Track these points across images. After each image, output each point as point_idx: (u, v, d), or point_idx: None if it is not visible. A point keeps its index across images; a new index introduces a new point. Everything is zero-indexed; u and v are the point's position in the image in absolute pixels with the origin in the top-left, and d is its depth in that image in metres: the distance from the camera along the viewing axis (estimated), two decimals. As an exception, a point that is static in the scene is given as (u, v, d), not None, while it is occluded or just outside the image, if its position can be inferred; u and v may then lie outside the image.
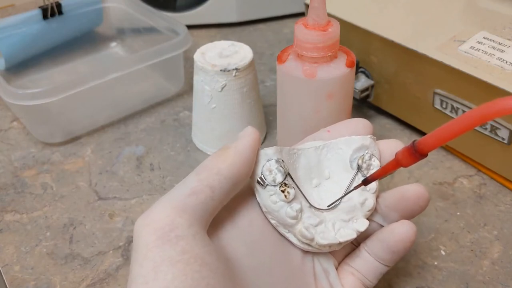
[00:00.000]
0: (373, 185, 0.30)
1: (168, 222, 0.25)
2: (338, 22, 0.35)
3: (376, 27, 0.45)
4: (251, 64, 0.43)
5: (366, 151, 0.31)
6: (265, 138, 0.49)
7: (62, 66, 0.59)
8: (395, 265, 0.36)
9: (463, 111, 0.41)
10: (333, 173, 0.31)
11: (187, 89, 0.55)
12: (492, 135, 0.40)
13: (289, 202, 0.28)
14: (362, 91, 0.47)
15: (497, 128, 0.39)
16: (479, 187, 0.42)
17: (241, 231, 0.28)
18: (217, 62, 0.42)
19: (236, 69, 0.42)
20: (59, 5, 0.56)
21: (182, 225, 0.25)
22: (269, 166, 0.28)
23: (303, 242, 0.29)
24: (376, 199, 0.31)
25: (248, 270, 0.28)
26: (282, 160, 0.29)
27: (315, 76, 0.35)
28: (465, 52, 0.40)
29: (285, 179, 0.28)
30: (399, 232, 0.30)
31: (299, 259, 0.30)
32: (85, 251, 0.38)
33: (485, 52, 0.40)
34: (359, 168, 0.30)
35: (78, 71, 0.59)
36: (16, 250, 0.38)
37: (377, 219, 0.31)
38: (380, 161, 0.31)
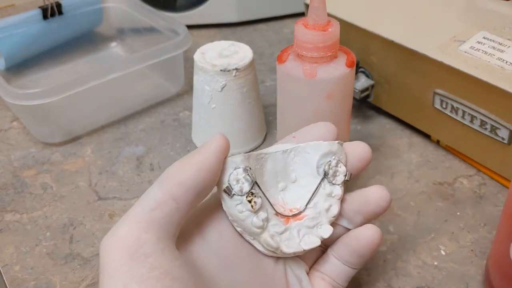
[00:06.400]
0: (338, 191, 0.31)
1: (135, 239, 0.24)
2: (338, 22, 0.35)
3: (376, 27, 0.45)
4: (251, 64, 0.43)
5: (333, 157, 0.31)
6: (265, 138, 0.49)
7: (62, 66, 0.59)
8: (394, 265, 0.36)
9: (463, 111, 0.41)
10: (300, 176, 0.31)
11: (187, 89, 0.55)
12: (492, 135, 0.40)
13: (256, 212, 0.28)
14: (362, 91, 0.47)
15: (497, 128, 0.39)
16: (479, 187, 0.42)
17: (211, 245, 0.28)
18: (217, 62, 0.42)
19: (236, 69, 0.42)
20: (59, 5, 0.56)
21: (150, 241, 0.24)
22: (236, 175, 0.28)
23: (268, 250, 0.29)
24: (341, 202, 0.31)
25: (221, 283, 0.27)
26: (250, 168, 0.28)
27: (315, 76, 0.35)
28: (465, 52, 0.40)
29: (252, 188, 0.28)
30: (364, 236, 0.30)
31: (271, 268, 0.30)
32: (85, 251, 0.38)
33: (485, 52, 0.40)
34: (325, 174, 0.31)
35: (78, 71, 0.59)
36: (16, 250, 0.38)
37: (343, 222, 0.32)
38: (346, 166, 0.31)
